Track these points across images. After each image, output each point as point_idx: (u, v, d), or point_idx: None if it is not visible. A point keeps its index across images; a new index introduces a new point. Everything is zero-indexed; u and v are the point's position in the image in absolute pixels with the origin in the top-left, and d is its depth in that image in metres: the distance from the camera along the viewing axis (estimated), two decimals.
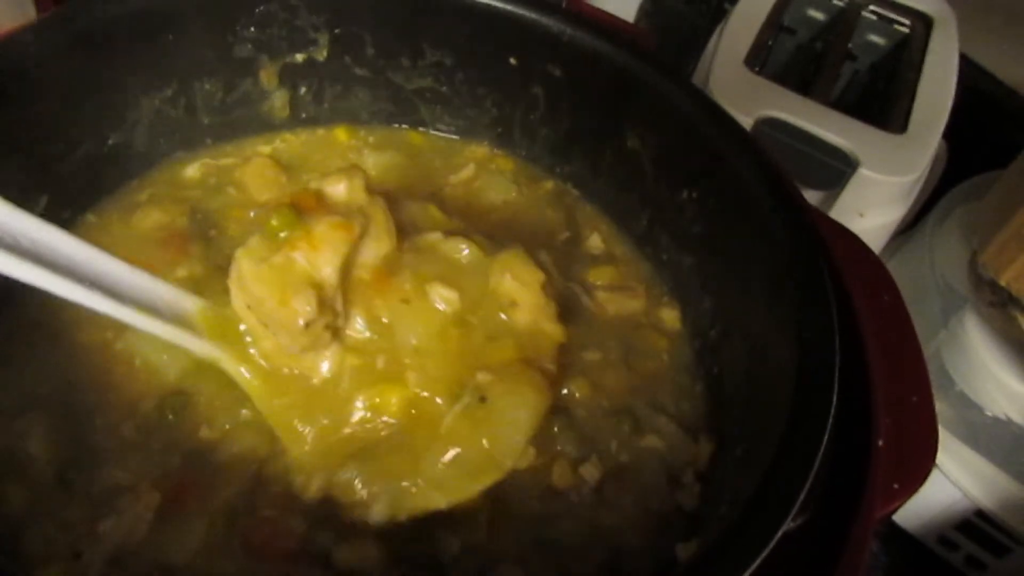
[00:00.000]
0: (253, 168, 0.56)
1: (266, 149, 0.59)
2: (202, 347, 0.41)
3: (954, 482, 0.76)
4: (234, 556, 0.39)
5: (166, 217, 0.52)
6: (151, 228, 0.51)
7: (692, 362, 0.53)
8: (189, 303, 0.42)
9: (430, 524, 0.41)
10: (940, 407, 0.78)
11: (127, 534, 0.37)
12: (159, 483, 0.39)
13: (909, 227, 0.90)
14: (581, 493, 0.44)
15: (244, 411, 0.43)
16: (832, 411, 0.37)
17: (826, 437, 0.36)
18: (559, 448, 0.46)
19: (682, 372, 0.52)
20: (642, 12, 1.12)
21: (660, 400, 0.50)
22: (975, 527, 0.76)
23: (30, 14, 0.62)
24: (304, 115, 0.60)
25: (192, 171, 0.56)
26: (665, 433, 0.48)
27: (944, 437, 0.77)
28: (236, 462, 0.41)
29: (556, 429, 0.46)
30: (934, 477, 0.78)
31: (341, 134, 0.61)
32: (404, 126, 0.62)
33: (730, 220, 0.50)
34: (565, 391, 0.48)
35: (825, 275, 0.42)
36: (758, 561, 0.32)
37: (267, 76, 0.56)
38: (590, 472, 0.45)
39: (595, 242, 0.58)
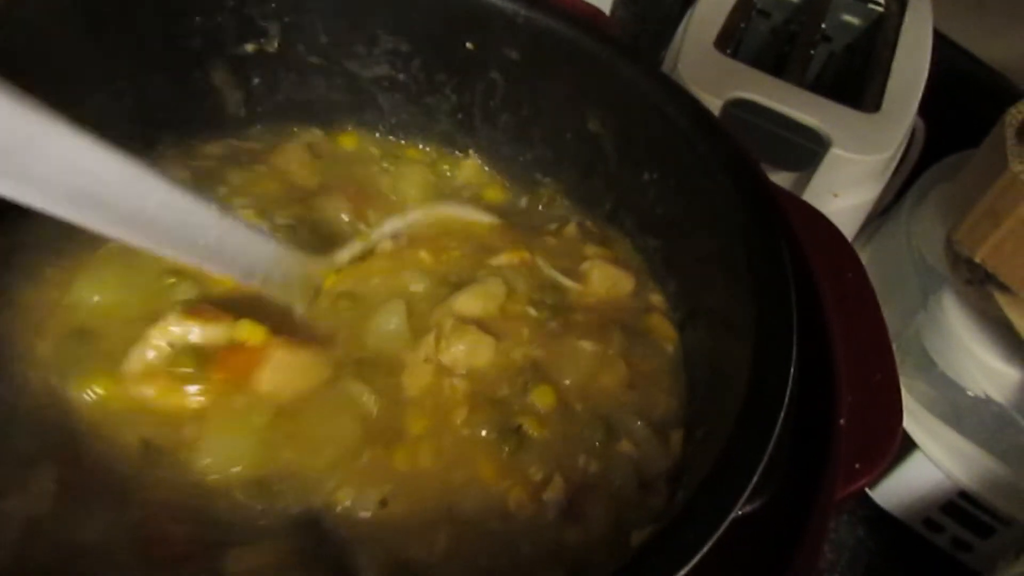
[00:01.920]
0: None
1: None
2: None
3: (937, 463, 0.75)
4: (128, 551, 0.37)
5: None
6: None
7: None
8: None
9: (351, 537, 0.39)
10: (922, 388, 0.77)
11: (33, 511, 0.36)
12: (59, 457, 0.38)
13: (888, 208, 0.89)
14: (545, 515, 0.41)
15: None
16: (787, 391, 0.36)
17: (781, 418, 0.35)
18: (525, 469, 0.42)
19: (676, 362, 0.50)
20: (619, 1, 1.11)
21: (651, 395, 0.48)
22: (959, 508, 0.75)
23: None
24: (260, 108, 0.59)
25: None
26: (639, 437, 0.45)
27: (926, 418, 0.76)
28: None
29: (507, 451, 0.42)
30: (918, 459, 0.77)
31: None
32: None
33: (690, 200, 0.49)
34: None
35: (783, 252, 0.41)
36: (707, 546, 0.31)
37: (217, 67, 0.55)
38: (551, 496, 0.41)
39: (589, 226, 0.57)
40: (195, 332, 0.41)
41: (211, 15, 0.52)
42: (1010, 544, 0.72)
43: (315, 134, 0.60)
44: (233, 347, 0.41)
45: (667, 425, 0.46)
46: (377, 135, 0.62)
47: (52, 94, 0.48)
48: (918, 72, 0.81)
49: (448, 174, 0.61)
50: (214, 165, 0.55)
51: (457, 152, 0.61)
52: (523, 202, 0.60)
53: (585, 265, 0.53)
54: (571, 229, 0.56)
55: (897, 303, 0.80)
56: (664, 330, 0.51)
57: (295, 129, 0.60)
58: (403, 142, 0.62)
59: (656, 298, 0.53)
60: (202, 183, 0.53)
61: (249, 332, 0.42)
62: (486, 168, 0.61)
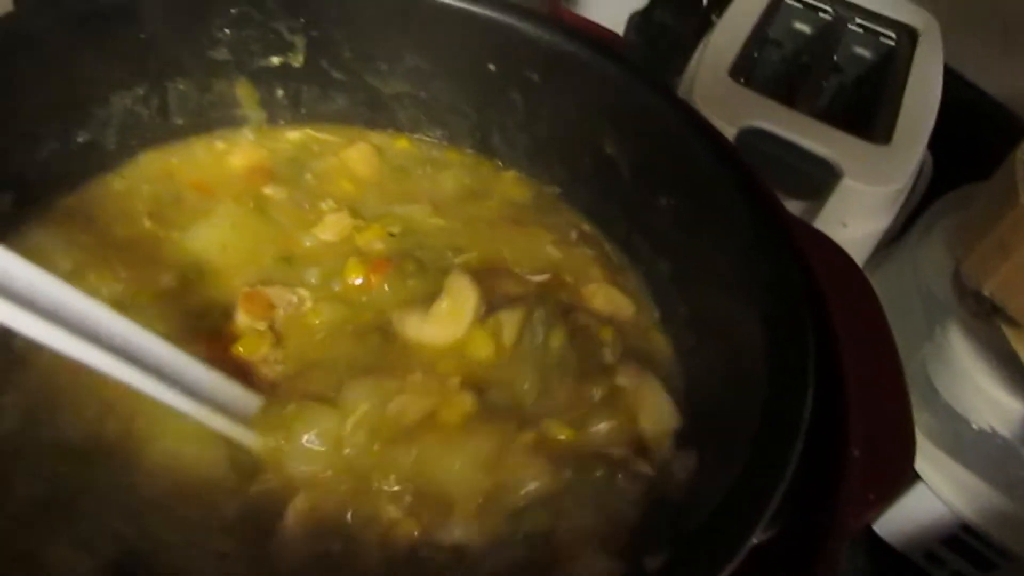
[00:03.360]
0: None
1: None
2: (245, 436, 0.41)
3: (940, 496, 0.75)
4: None
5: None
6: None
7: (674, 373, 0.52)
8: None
9: None
10: (926, 419, 0.77)
11: None
12: None
13: (895, 239, 0.89)
14: None
15: None
16: (804, 423, 0.36)
17: (798, 449, 0.35)
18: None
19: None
20: (631, 26, 1.12)
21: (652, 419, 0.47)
22: (962, 542, 0.75)
23: (6, 5, 0.61)
24: (281, 120, 0.59)
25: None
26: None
27: (930, 450, 0.76)
28: None
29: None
30: (920, 491, 0.77)
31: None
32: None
33: (705, 226, 0.49)
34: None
35: (798, 281, 0.42)
36: (725, 573, 0.31)
37: (241, 78, 0.55)
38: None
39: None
40: None
41: (240, 28, 0.53)
42: None
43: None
44: None
45: (671, 448, 0.46)
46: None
47: (78, 92, 0.50)
48: (929, 106, 0.82)
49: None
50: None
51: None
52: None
53: (590, 287, 0.53)
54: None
55: (902, 334, 0.79)
56: (666, 352, 0.51)
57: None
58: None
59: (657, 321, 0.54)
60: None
61: None
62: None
